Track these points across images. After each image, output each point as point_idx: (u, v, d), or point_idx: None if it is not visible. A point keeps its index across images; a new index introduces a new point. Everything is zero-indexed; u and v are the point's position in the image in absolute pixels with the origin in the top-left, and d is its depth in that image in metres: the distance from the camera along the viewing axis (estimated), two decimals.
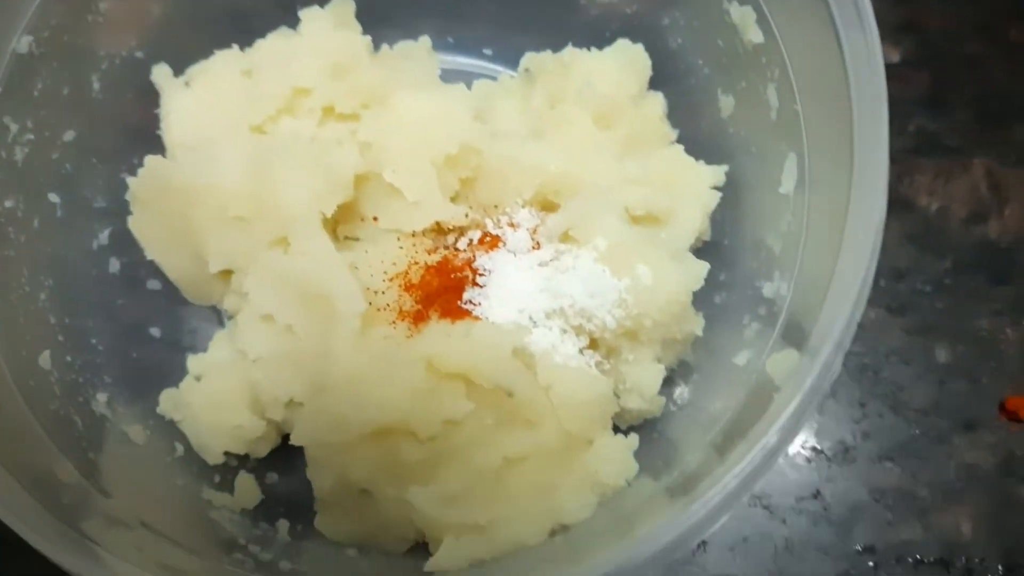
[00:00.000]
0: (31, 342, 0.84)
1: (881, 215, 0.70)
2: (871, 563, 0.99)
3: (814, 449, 1.04)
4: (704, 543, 0.99)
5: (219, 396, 0.91)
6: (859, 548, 0.99)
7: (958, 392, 1.05)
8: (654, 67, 1.00)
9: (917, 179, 1.11)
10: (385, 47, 1.02)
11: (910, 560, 0.99)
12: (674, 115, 1.01)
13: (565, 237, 0.90)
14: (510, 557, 0.79)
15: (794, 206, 0.83)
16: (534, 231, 0.93)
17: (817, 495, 1.01)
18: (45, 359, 0.84)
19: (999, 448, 1.02)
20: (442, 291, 0.89)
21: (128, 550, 0.70)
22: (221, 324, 1.00)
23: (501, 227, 0.94)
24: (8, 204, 0.87)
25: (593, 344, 0.89)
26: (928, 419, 1.04)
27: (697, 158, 0.96)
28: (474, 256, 0.92)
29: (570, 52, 1.01)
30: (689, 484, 0.73)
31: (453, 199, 0.95)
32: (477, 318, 0.87)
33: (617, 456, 0.85)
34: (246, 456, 0.92)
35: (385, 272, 0.93)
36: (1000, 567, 0.99)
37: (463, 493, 0.81)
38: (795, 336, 0.74)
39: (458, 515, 0.80)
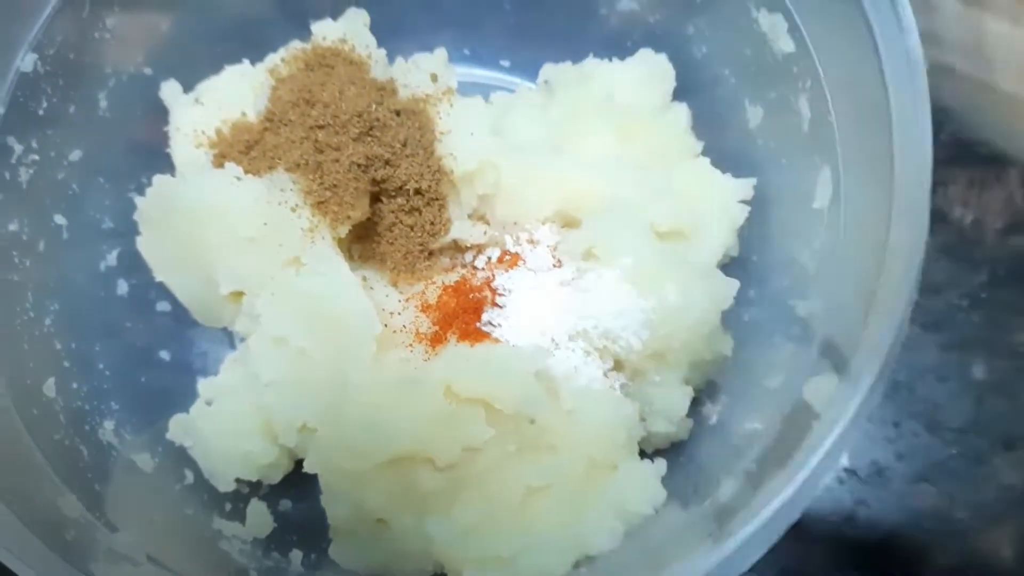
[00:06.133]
0: (36, 369, 0.82)
1: (924, 231, 0.67)
2: None
3: (847, 470, 1.00)
4: None
5: (230, 421, 0.88)
6: None
7: (997, 410, 1.01)
8: (678, 77, 0.97)
9: (951, 189, 1.07)
10: (400, 59, 0.99)
11: None
12: (699, 127, 0.98)
13: (588, 255, 0.87)
14: None
15: (828, 221, 0.79)
16: (555, 248, 0.89)
17: (851, 518, 0.98)
18: (50, 386, 0.82)
19: None
20: (460, 312, 0.85)
21: None
22: (232, 346, 0.97)
23: (520, 244, 0.90)
24: (12, 227, 0.84)
25: (618, 366, 0.85)
26: (966, 438, 1.00)
27: (724, 171, 0.93)
28: (493, 275, 0.88)
29: (591, 63, 0.98)
30: (722, 515, 0.70)
31: (471, 216, 0.92)
32: (497, 340, 0.83)
33: (643, 482, 0.81)
34: (258, 483, 0.89)
35: (401, 292, 0.90)
36: None
37: (484, 523, 0.78)
38: (834, 359, 0.71)
39: (479, 547, 0.77)
